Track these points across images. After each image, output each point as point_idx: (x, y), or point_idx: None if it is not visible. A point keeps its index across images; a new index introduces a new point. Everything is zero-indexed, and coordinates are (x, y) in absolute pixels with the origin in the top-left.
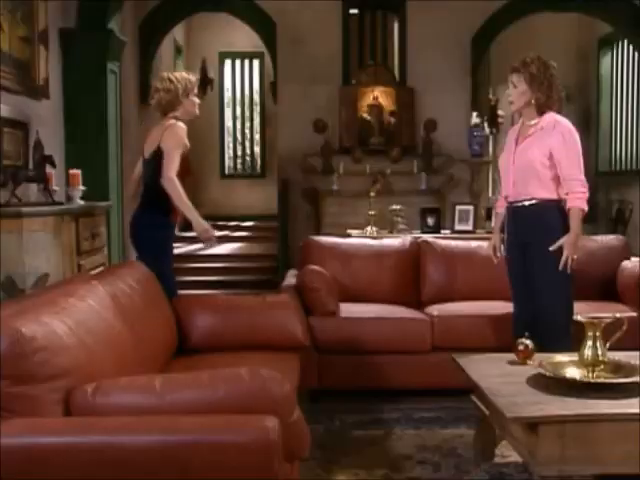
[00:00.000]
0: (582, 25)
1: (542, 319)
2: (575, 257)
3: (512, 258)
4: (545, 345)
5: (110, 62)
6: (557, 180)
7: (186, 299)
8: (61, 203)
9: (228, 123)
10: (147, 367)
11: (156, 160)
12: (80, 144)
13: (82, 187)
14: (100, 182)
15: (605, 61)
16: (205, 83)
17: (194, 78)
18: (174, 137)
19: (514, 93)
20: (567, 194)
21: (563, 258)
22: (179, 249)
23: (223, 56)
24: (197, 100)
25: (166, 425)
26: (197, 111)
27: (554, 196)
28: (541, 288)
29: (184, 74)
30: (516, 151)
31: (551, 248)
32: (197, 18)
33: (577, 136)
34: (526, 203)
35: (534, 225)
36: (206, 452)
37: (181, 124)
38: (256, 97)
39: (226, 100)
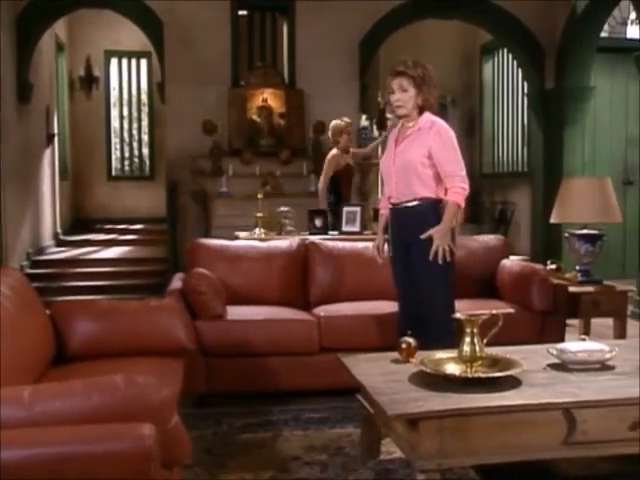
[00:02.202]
0: (466, 32)
1: (425, 318)
2: (447, 248)
3: (396, 259)
4: (429, 343)
5: None
6: (438, 180)
7: (65, 305)
8: None
9: (115, 123)
10: (20, 377)
11: None
12: None
13: None
14: None
15: (487, 67)
16: (90, 82)
17: None
18: None
19: (404, 97)
20: (447, 189)
21: (433, 248)
22: (64, 253)
23: (109, 54)
24: None
25: (35, 438)
26: None
27: (435, 196)
28: (424, 287)
29: None
30: (396, 152)
31: (422, 236)
32: (81, 14)
33: (453, 134)
34: (409, 204)
35: (417, 225)
36: (80, 464)
37: None
38: (144, 97)
39: (113, 100)
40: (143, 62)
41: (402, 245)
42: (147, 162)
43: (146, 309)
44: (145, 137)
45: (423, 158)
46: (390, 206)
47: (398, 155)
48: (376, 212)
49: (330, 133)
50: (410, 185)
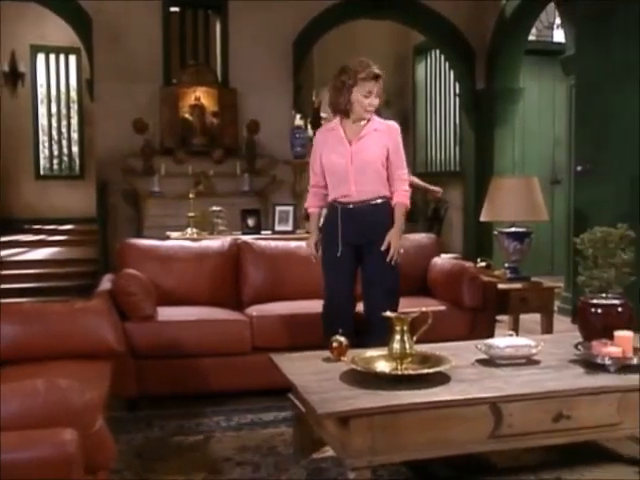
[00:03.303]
0: (399, 33)
1: (378, 317)
2: (402, 251)
3: (343, 258)
4: (376, 339)
5: None
6: (387, 179)
7: None
8: None
9: (43, 121)
10: None
11: None
12: None
13: None
14: None
15: (420, 68)
16: (16, 77)
17: None
18: None
19: (376, 102)
20: (394, 191)
21: (392, 252)
22: None
23: (36, 50)
24: None
25: None
26: None
27: (390, 195)
28: (383, 285)
29: None
30: (353, 151)
31: (382, 248)
32: (5, 6)
33: None
34: (374, 202)
35: (380, 223)
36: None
37: None
38: (73, 94)
39: (40, 97)
40: (72, 58)
41: (352, 244)
42: (77, 161)
43: (72, 311)
44: (75, 135)
45: (383, 158)
46: (338, 204)
47: (356, 154)
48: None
49: None
50: (373, 184)
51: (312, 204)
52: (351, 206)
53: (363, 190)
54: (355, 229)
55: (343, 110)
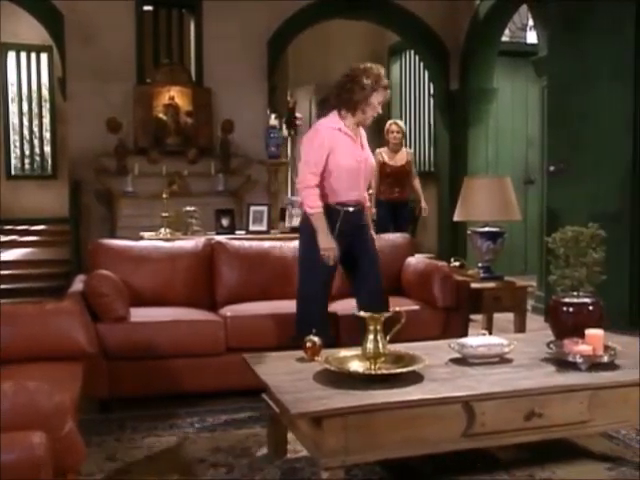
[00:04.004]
0: (374, 33)
1: (380, 291)
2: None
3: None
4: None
5: None
6: None
7: None
8: None
9: (14, 120)
10: None
11: None
12: None
13: None
14: None
15: (395, 68)
16: None
17: None
18: None
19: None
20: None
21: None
22: None
23: (6, 47)
24: None
25: None
26: None
27: None
28: (377, 262)
29: None
30: (362, 155)
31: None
32: None
33: None
34: (367, 202)
35: (365, 223)
36: None
37: None
38: (45, 93)
39: (11, 95)
40: (44, 56)
41: (343, 245)
42: (49, 160)
43: (43, 312)
44: (47, 134)
45: None
46: (340, 207)
47: (365, 159)
48: (282, 211)
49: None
50: (367, 186)
51: (318, 204)
52: (352, 209)
53: (364, 195)
54: (349, 230)
55: (352, 108)
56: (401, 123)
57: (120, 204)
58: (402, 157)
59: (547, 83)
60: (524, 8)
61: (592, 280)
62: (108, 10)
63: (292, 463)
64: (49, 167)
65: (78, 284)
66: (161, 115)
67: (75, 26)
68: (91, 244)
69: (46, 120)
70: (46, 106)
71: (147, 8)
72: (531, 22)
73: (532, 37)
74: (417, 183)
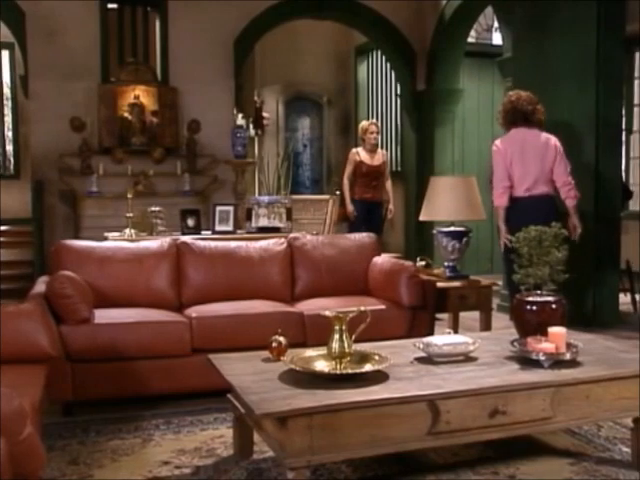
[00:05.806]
0: (341, 33)
1: None
2: None
3: None
4: None
5: None
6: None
7: None
8: None
9: None
10: None
11: None
12: None
13: None
14: None
15: (362, 68)
16: None
17: None
18: None
19: None
20: None
21: None
22: None
23: None
24: None
25: None
26: None
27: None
28: None
29: None
30: None
31: None
32: None
33: None
34: None
35: None
36: None
37: None
38: (7, 91)
39: None
40: (5, 54)
41: None
42: (11, 160)
43: (3, 315)
44: (9, 133)
45: None
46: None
47: None
48: (249, 211)
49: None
50: None
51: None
52: None
53: None
54: None
55: None
56: (378, 124)
57: (84, 204)
58: (379, 157)
59: (512, 84)
60: (489, 9)
61: (555, 279)
62: (71, 7)
63: (258, 464)
64: (11, 167)
65: (41, 285)
66: (126, 114)
67: (37, 23)
68: (54, 245)
69: (8, 119)
70: (8, 104)
71: (112, 6)
72: (496, 23)
73: (497, 38)
74: (389, 185)
